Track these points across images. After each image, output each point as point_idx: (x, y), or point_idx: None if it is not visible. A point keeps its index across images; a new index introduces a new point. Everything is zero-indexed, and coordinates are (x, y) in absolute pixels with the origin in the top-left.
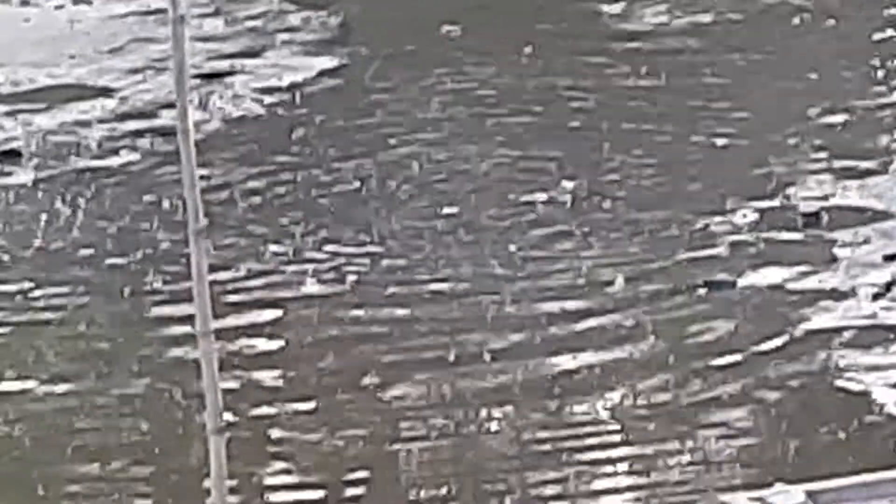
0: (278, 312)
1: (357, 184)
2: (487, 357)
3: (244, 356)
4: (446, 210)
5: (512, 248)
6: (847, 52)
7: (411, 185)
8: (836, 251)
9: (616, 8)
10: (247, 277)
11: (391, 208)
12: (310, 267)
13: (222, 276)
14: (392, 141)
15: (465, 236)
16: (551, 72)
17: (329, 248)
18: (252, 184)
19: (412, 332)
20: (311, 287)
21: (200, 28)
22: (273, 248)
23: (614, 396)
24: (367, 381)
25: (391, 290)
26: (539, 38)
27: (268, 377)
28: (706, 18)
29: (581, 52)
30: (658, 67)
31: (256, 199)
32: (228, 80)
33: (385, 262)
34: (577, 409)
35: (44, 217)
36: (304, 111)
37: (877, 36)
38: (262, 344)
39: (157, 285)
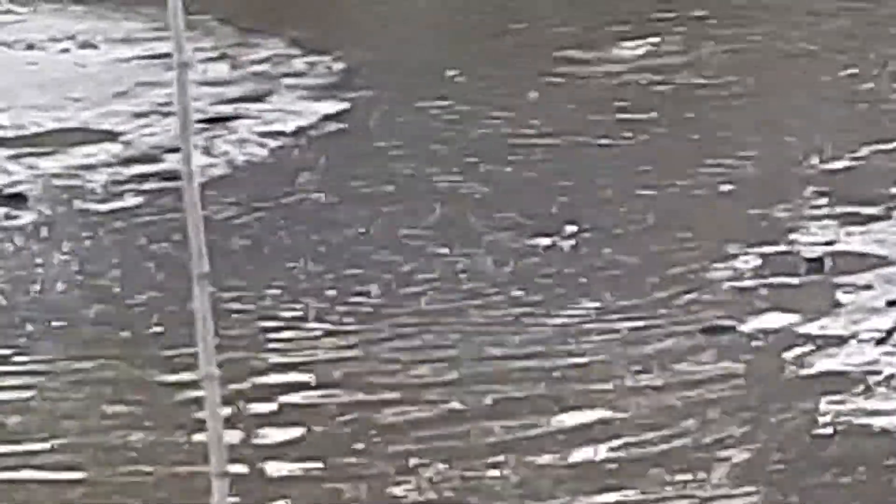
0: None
1: (361, 229)
2: (491, 409)
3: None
4: (454, 258)
5: (516, 292)
6: (851, 96)
7: (416, 230)
8: (839, 297)
9: (632, 52)
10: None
11: (397, 256)
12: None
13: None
14: (392, 188)
15: (469, 283)
16: (555, 117)
17: (330, 292)
18: (255, 228)
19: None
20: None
21: (205, 73)
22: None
23: (618, 442)
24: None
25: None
26: (544, 84)
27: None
28: (710, 61)
29: (585, 99)
30: (661, 112)
31: (263, 246)
32: (233, 124)
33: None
34: (578, 456)
35: (47, 260)
36: (309, 156)
37: (883, 82)
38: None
39: (161, 329)
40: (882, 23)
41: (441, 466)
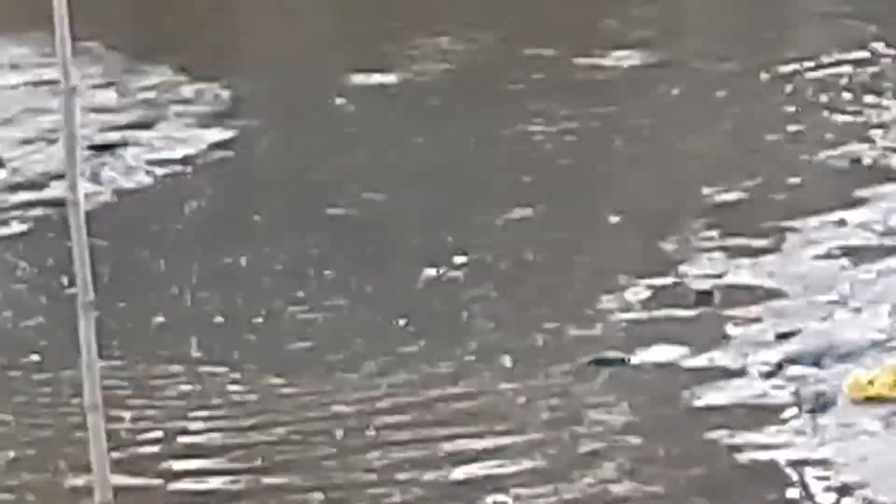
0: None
1: (248, 257)
2: (374, 441)
3: None
4: (341, 287)
5: (402, 322)
6: (740, 129)
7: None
8: (728, 329)
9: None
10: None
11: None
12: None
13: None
14: (278, 216)
15: (357, 313)
16: (444, 147)
17: (217, 319)
18: (141, 255)
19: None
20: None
21: (93, 99)
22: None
23: (510, 478)
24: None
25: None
26: (442, 115)
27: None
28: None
29: (491, 127)
30: (551, 145)
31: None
32: (120, 151)
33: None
34: (473, 491)
35: None
36: (196, 183)
37: (773, 115)
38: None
39: (45, 356)
40: (773, 60)
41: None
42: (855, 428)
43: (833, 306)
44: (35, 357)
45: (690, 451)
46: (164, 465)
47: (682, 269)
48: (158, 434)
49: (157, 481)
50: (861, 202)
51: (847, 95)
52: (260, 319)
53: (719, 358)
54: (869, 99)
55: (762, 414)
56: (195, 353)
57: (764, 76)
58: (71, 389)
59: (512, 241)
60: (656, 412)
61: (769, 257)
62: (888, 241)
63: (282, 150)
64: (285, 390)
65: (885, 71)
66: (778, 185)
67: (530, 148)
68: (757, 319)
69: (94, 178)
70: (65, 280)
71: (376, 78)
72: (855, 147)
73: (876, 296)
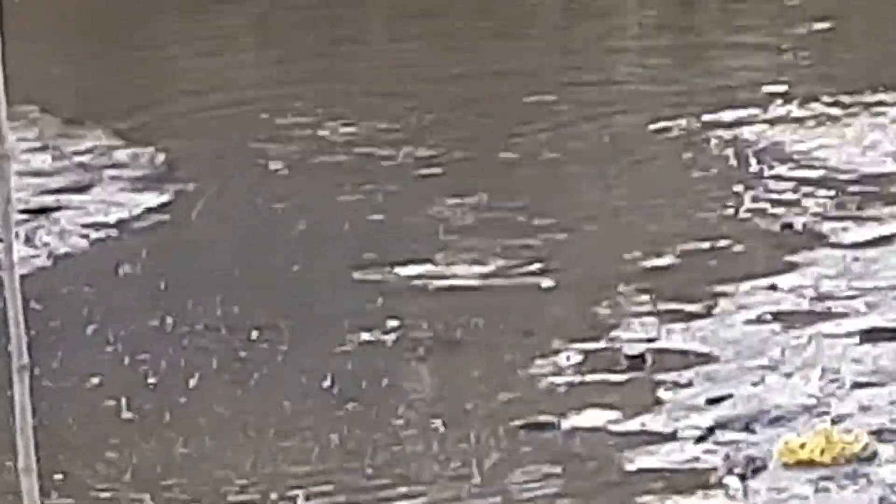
0: None
1: (184, 321)
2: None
3: None
4: (277, 353)
5: (327, 382)
6: (673, 194)
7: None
8: (660, 394)
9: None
10: None
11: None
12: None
13: None
14: (214, 281)
15: (289, 381)
16: (372, 205)
17: (151, 379)
18: (77, 319)
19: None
20: None
21: (28, 163)
22: None
23: None
24: None
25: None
26: (373, 176)
27: None
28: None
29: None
30: (484, 199)
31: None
32: (55, 215)
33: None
34: None
35: None
36: (131, 247)
37: (704, 180)
38: None
39: None
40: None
41: None
42: (786, 492)
43: (764, 371)
44: None
45: None
46: None
47: (614, 333)
48: (92, 495)
49: None
50: (792, 267)
51: (778, 161)
52: (193, 382)
53: (650, 422)
54: (801, 162)
55: (694, 478)
56: (126, 415)
57: (688, 137)
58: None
59: (442, 306)
60: (588, 477)
61: (701, 322)
62: (819, 307)
63: (217, 214)
64: (215, 451)
65: (817, 134)
66: (709, 249)
67: (460, 212)
68: (688, 384)
69: (29, 241)
70: None
71: (313, 136)
72: (786, 212)
73: (807, 360)
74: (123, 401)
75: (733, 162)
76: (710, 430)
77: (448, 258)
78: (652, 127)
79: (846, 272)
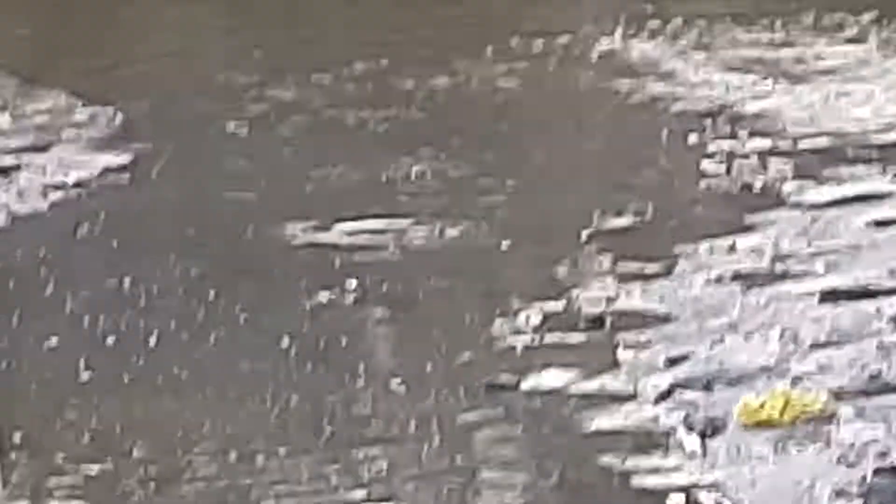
0: None
1: (141, 281)
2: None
3: None
4: (230, 314)
5: (285, 343)
6: (633, 155)
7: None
8: (619, 354)
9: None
10: None
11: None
12: None
13: None
14: (173, 242)
15: (243, 342)
16: (332, 171)
17: (109, 340)
18: (35, 279)
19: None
20: None
21: None
22: None
23: (396, 502)
24: None
25: None
26: (331, 137)
27: None
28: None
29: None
30: (446, 163)
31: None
32: (14, 175)
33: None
34: None
35: None
36: (90, 208)
37: (664, 140)
38: None
39: None
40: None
41: None
42: (745, 452)
43: (724, 331)
44: None
45: (581, 476)
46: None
47: (574, 293)
48: (51, 455)
49: None
50: (752, 228)
51: (737, 121)
52: (151, 343)
53: (610, 383)
54: (759, 125)
55: (653, 438)
56: (84, 376)
57: (650, 99)
58: None
59: (402, 266)
60: (547, 437)
61: (660, 282)
62: (778, 267)
63: (176, 174)
64: (174, 412)
65: (776, 97)
66: (669, 210)
67: (423, 171)
68: (648, 344)
69: None
70: None
71: (272, 98)
72: (745, 172)
73: (766, 321)
74: (82, 361)
75: (694, 123)
76: (670, 391)
77: (407, 218)
78: (613, 88)
79: (806, 233)
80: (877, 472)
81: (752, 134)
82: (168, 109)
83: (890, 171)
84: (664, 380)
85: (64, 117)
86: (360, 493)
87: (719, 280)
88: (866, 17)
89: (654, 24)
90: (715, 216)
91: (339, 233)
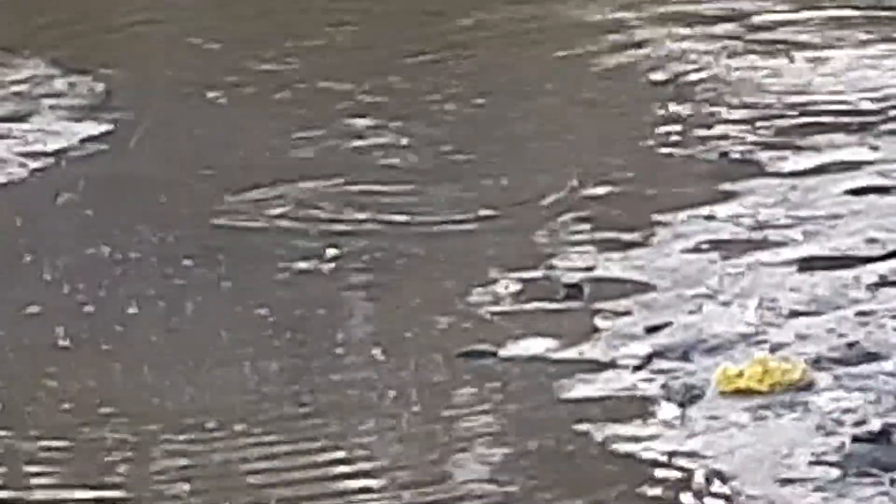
0: None
1: (120, 251)
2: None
3: None
4: (212, 285)
5: (264, 311)
6: (610, 122)
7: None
8: (598, 322)
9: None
10: None
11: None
12: None
13: None
14: (153, 211)
15: (228, 311)
16: (311, 141)
17: (87, 308)
18: (14, 248)
19: None
20: None
21: None
22: None
23: (379, 472)
24: None
25: None
26: (313, 107)
27: None
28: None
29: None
30: (424, 131)
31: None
32: None
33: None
34: (339, 481)
35: None
36: (70, 177)
37: (641, 107)
38: None
39: None
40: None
41: None
42: (723, 420)
43: (702, 300)
44: None
45: (560, 444)
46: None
47: (552, 262)
48: (29, 423)
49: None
50: (730, 196)
51: (715, 89)
52: (130, 311)
53: (588, 351)
54: (737, 93)
55: (631, 406)
56: (63, 343)
57: (627, 64)
58: None
59: (380, 234)
60: (526, 405)
61: (639, 251)
62: (756, 235)
63: (155, 144)
64: (152, 381)
65: (753, 64)
66: (647, 178)
67: (403, 141)
68: (626, 313)
69: None
70: None
71: (252, 68)
72: (723, 141)
73: (745, 289)
74: (60, 330)
75: (671, 90)
76: (648, 359)
77: (385, 185)
78: (589, 54)
79: (784, 201)
80: (855, 439)
81: (729, 103)
82: (149, 78)
83: (868, 139)
84: (642, 348)
85: (43, 86)
86: (339, 460)
87: (697, 248)
88: None
89: None
90: (693, 184)
91: (315, 200)
